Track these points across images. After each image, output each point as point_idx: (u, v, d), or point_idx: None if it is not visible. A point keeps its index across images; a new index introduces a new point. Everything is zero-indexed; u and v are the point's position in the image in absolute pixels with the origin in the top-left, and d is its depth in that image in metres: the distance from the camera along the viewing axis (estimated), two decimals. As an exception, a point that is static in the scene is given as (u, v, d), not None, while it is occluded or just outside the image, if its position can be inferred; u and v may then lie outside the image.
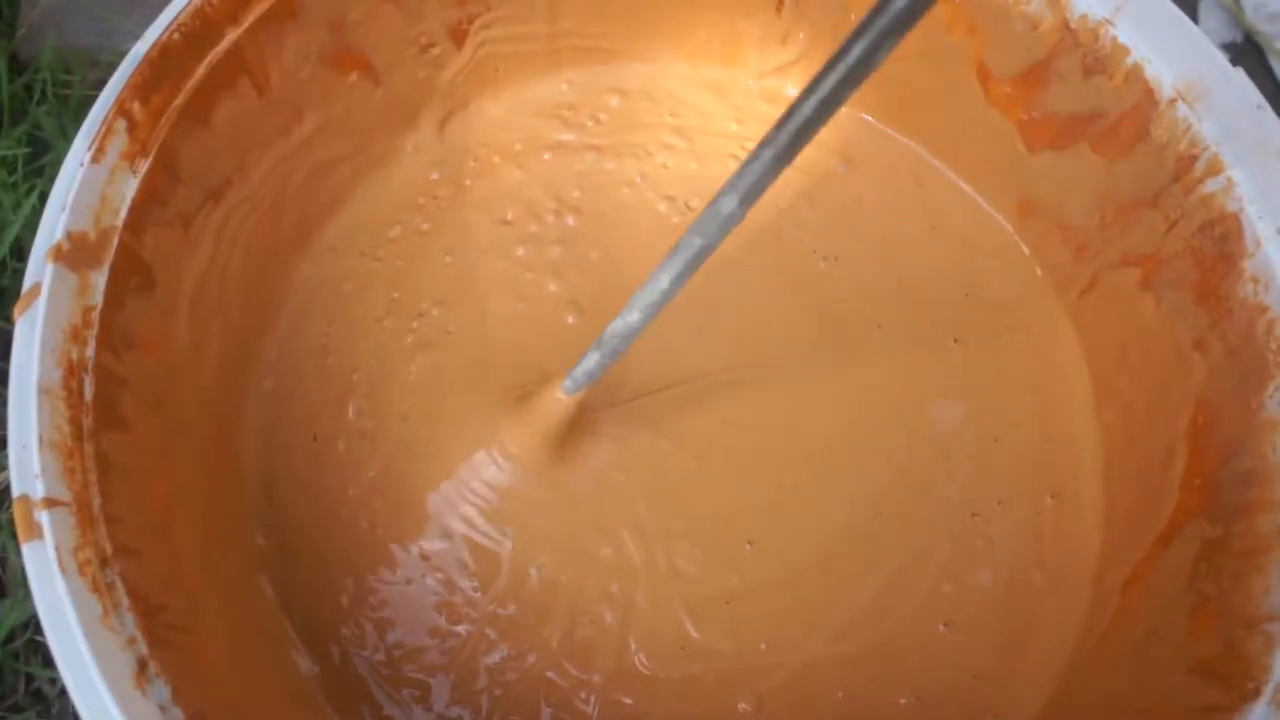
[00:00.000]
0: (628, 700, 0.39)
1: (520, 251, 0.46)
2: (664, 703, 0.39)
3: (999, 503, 0.43)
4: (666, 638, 0.40)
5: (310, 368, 0.43)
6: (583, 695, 0.38)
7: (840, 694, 0.39)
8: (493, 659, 0.39)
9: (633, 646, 0.39)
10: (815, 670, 0.40)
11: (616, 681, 0.39)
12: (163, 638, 0.30)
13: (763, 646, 0.40)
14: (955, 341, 0.46)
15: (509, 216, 0.47)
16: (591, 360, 0.35)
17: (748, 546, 0.41)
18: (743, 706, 0.39)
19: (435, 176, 0.47)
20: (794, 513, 0.42)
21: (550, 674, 0.39)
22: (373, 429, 0.42)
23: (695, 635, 0.40)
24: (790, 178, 0.49)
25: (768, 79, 0.51)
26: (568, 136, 0.49)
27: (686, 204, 0.48)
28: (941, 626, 0.41)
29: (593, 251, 0.47)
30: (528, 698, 0.38)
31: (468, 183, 0.47)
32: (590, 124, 0.49)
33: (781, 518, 0.42)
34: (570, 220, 0.47)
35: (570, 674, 0.39)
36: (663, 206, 0.48)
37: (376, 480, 0.41)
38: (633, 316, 0.32)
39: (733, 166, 0.49)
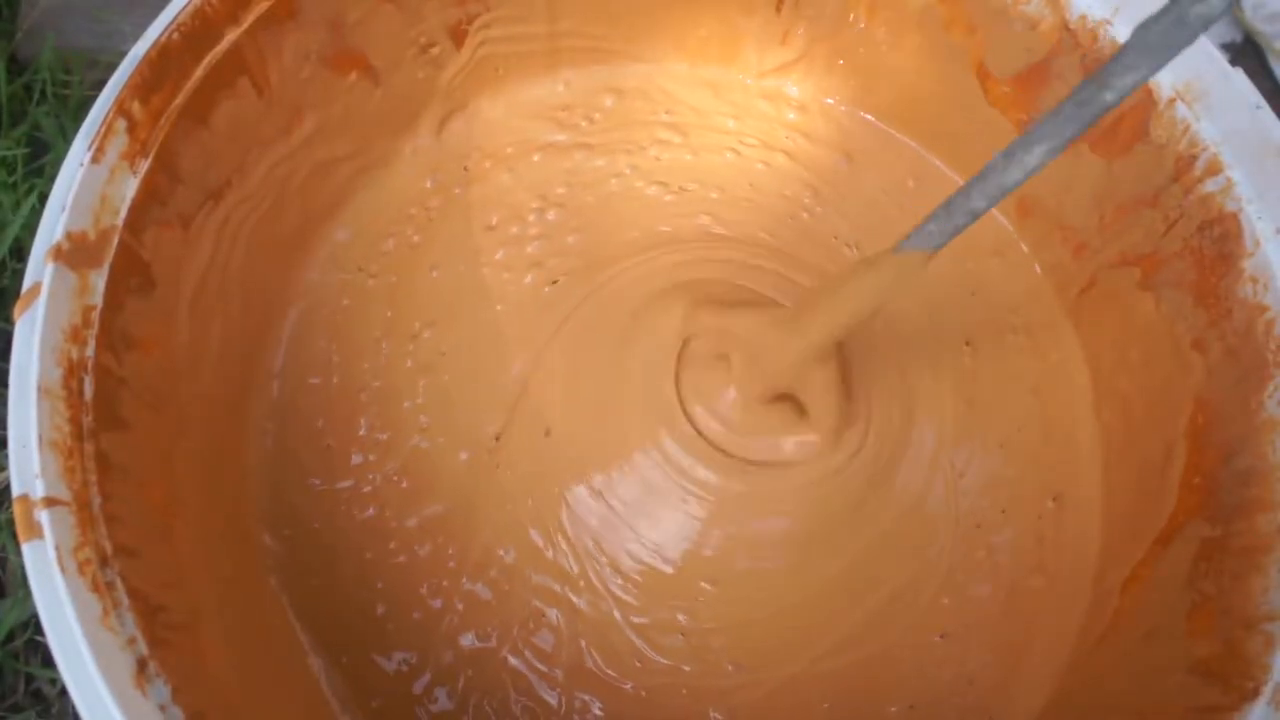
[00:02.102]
0: (590, 699, 0.38)
1: (500, 255, 0.46)
2: (628, 705, 0.38)
3: (1002, 511, 0.42)
4: (620, 650, 0.39)
5: (317, 384, 0.43)
6: (547, 688, 0.38)
7: (826, 705, 0.39)
8: (466, 640, 0.39)
9: (584, 645, 0.39)
10: (797, 686, 0.39)
11: (577, 680, 0.39)
12: (163, 638, 0.29)
13: (729, 668, 0.39)
14: (967, 344, 0.46)
15: (494, 222, 0.47)
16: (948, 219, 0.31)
17: (706, 586, 0.40)
18: (715, 716, 0.38)
19: (429, 184, 0.47)
20: (780, 564, 0.40)
21: (514, 661, 0.39)
22: (387, 440, 0.42)
23: (649, 654, 0.39)
24: (791, 169, 0.49)
25: (767, 78, 0.51)
26: (560, 137, 0.49)
27: (681, 187, 0.48)
28: (938, 638, 0.40)
29: (571, 237, 0.46)
30: (496, 684, 0.38)
31: (457, 191, 0.47)
32: (584, 124, 0.49)
33: (764, 571, 0.40)
34: (551, 215, 0.47)
35: (534, 665, 0.39)
36: (652, 190, 0.48)
37: (394, 481, 0.41)
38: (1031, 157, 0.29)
39: (730, 160, 0.49)
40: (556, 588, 0.40)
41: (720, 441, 0.40)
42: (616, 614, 0.39)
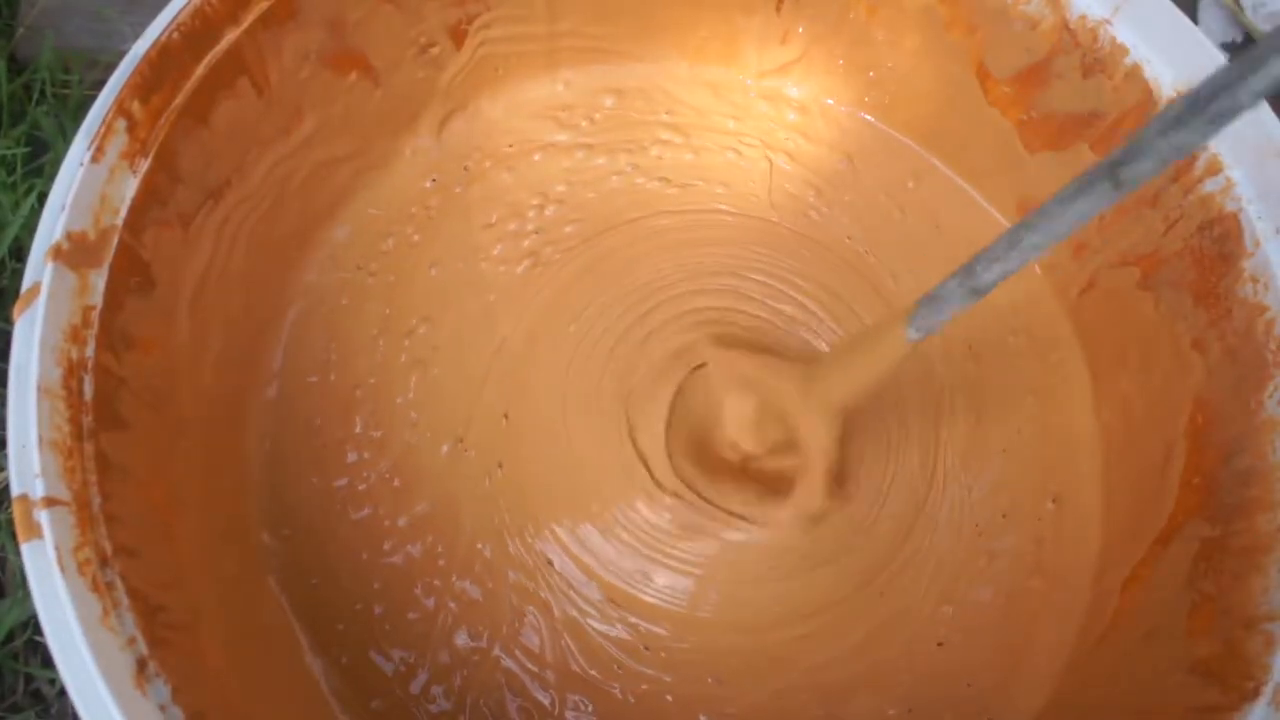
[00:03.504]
0: (582, 700, 0.38)
1: (497, 250, 0.46)
2: (617, 708, 0.38)
3: (1004, 516, 0.42)
4: (600, 654, 0.39)
5: (314, 382, 0.43)
6: (540, 689, 0.38)
7: (819, 713, 0.39)
8: (460, 639, 0.39)
9: (566, 646, 0.39)
10: (789, 695, 0.39)
11: (567, 681, 0.39)
12: (162, 637, 0.29)
13: (710, 681, 0.39)
14: (970, 348, 0.45)
15: (493, 219, 0.47)
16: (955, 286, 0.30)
17: (673, 611, 0.40)
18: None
19: (429, 184, 0.47)
20: (769, 596, 0.40)
21: (507, 662, 0.39)
22: (381, 438, 0.42)
23: (627, 662, 0.39)
24: (792, 170, 0.49)
25: (767, 79, 0.51)
26: (560, 137, 0.49)
27: (685, 183, 0.48)
28: (936, 645, 0.40)
29: (569, 227, 0.46)
30: (491, 684, 0.38)
31: (457, 190, 0.47)
32: (584, 124, 0.49)
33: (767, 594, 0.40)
34: (550, 211, 0.47)
35: (525, 665, 0.39)
36: (654, 185, 0.48)
37: (387, 479, 0.41)
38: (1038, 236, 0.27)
39: (731, 159, 0.49)
40: (529, 584, 0.40)
41: (711, 494, 0.40)
42: (578, 617, 0.39)
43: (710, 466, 0.40)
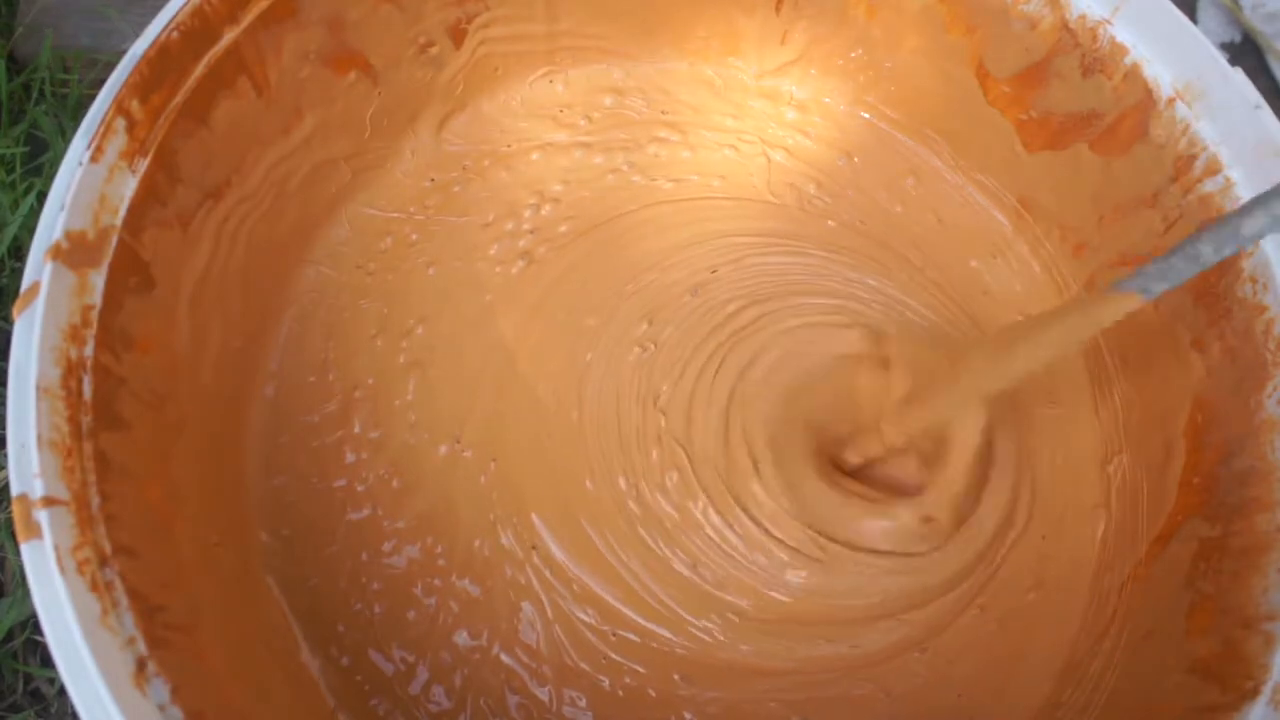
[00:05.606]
0: (576, 695, 0.39)
1: (494, 250, 0.46)
2: (607, 702, 0.38)
3: (1012, 540, 0.42)
4: (587, 645, 0.39)
5: (313, 381, 0.43)
6: (538, 685, 0.38)
7: (798, 718, 0.39)
8: (460, 638, 0.39)
9: (559, 640, 0.39)
10: (761, 703, 0.39)
11: (563, 676, 0.39)
12: (162, 637, 0.29)
13: (676, 677, 0.39)
14: None
15: (490, 219, 0.47)
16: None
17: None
18: (689, 717, 0.38)
19: (427, 184, 0.47)
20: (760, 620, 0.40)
21: (505, 658, 0.39)
22: (379, 439, 0.42)
23: (608, 653, 0.39)
24: (792, 165, 0.49)
25: (766, 78, 0.51)
26: (559, 136, 0.49)
27: (680, 178, 0.48)
28: (924, 654, 0.40)
29: (563, 225, 0.47)
30: (492, 681, 0.39)
31: (456, 189, 0.47)
32: (582, 123, 0.49)
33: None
34: (545, 210, 0.47)
35: (523, 660, 0.39)
36: (650, 182, 0.48)
37: (385, 479, 0.41)
38: None
39: (729, 155, 0.49)
40: (521, 579, 0.40)
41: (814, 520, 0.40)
42: (562, 604, 0.40)
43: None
